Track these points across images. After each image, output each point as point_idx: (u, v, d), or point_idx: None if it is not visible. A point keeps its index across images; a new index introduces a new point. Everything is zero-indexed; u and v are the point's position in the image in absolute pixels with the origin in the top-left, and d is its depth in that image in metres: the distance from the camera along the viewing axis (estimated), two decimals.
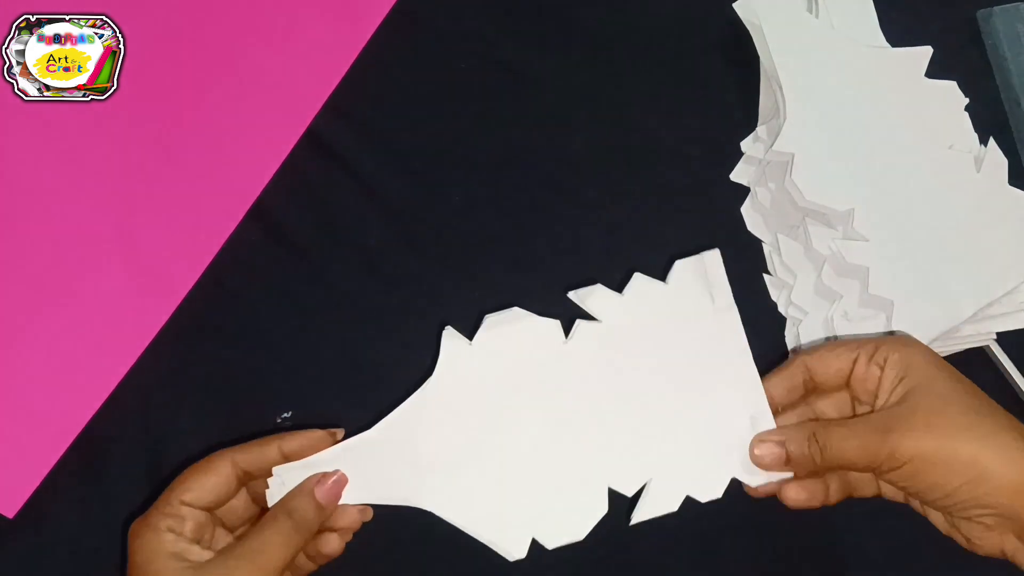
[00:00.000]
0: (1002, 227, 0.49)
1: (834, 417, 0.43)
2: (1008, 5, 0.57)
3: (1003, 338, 0.49)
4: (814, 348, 0.43)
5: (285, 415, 0.51)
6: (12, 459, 0.49)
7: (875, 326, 0.48)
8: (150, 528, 0.40)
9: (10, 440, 0.50)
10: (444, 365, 0.44)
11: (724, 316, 0.44)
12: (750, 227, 0.54)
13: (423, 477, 0.43)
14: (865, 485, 0.43)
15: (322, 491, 0.42)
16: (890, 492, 0.42)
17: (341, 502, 0.42)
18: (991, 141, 0.51)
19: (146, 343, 0.52)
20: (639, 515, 0.42)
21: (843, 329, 0.48)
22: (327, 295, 0.53)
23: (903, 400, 0.39)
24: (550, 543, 0.42)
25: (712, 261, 0.44)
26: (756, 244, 0.53)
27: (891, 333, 0.47)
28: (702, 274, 0.44)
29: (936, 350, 0.49)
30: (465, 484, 0.43)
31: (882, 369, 0.41)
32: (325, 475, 0.42)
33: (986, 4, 0.57)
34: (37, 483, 0.49)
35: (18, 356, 0.51)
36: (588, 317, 0.44)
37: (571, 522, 0.42)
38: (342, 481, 0.42)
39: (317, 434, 0.43)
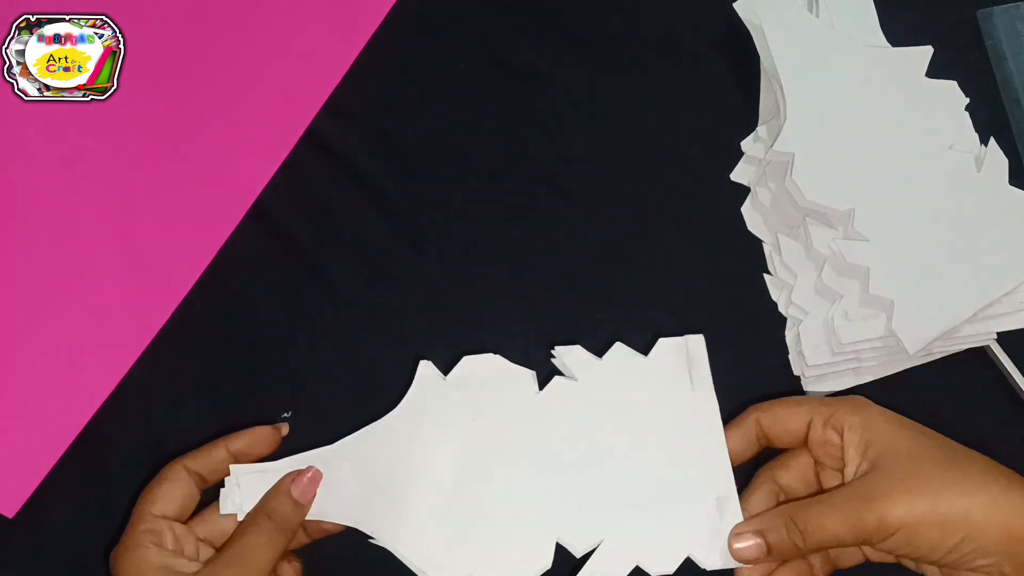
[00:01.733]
0: (1002, 227, 0.49)
1: (800, 489, 0.42)
2: (1008, 5, 0.57)
3: (1003, 338, 0.49)
4: (767, 404, 0.42)
5: (285, 415, 0.51)
6: (12, 459, 0.49)
7: (875, 326, 0.48)
8: (132, 547, 0.40)
9: (10, 440, 0.50)
10: (414, 396, 0.45)
11: (701, 397, 0.44)
12: (750, 227, 0.54)
13: (373, 501, 0.43)
14: (849, 555, 0.42)
15: (298, 489, 0.42)
16: (877, 556, 0.41)
17: None
18: (991, 141, 0.51)
19: (146, 343, 0.52)
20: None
21: (843, 329, 0.48)
22: (327, 295, 0.53)
23: (875, 467, 0.38)
24: None
25: (695, 345, 0.45)
26: (756, 244, 0.53)
27: (844, 392, 0.48)
28: (683, 355, 0.44)
29: (936, 350, 0.49)
30: (413, 515, 0.43)
31: (841, 435, 0.40)
32: (299, 473, 0.43)
33: (986, 4, 0.57)
34: (37, 483, 0.49)
35: (18, 356, 0.51)
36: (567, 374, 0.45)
37: (519, 572, 0.42)
38: (317, 477, 0.43)
39: (262, 430, 0.44)
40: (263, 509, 0.42)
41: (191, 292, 0.53)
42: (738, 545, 0.40)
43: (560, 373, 0.45)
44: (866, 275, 0.48)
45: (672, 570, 0.41)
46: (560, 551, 0.42)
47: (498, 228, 0.55)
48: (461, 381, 0.45)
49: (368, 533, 0.43)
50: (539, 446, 0.44)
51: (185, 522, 0.43)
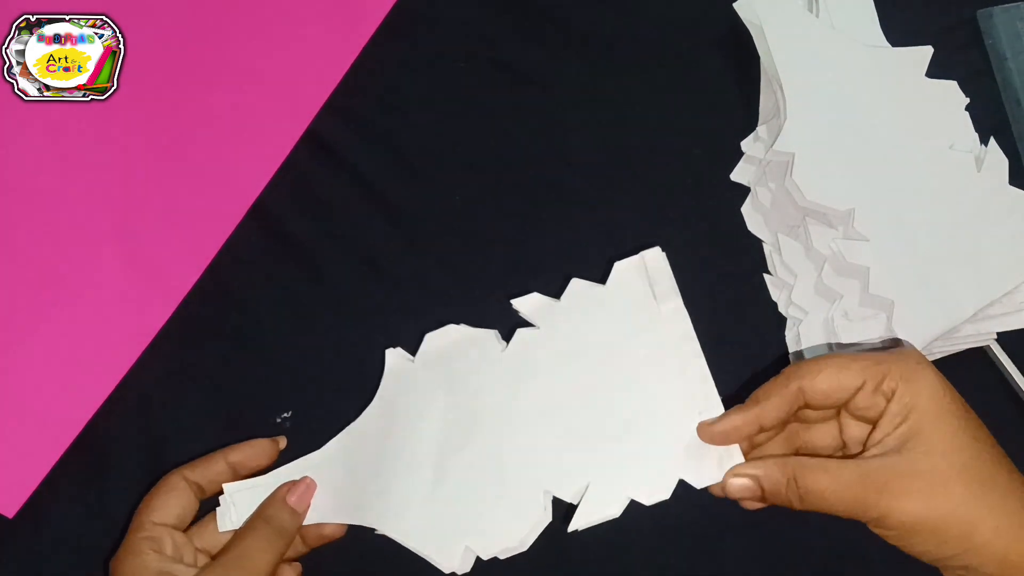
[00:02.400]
0: (1002, 227, 0.49)
1: (819, 435, 0.41)
2: (1008, 5, 0.57)
3: (1003, 338, 0.49)
4: (809, 370, 0.39)
5: (285, 415, 0.51)
6: (12, 459, 0.49)
7: (875, 326, 0.48)
8: (131, 553, 0.41)
9: (10, 440, 0.50)
10: (387, 383, 0.45)
11: (670, 313, 0.41)
12: (750, 227, 0.54)
13: (364, 494, 0.43)
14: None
15: (294, 497, 0.43)
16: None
17: None
18: (991, 141, 0.51)
19: (146, 343, 0.52)
20: (578, 522, 0.40)
21: (843, 329, 0.48)
22: (327, 295, 0.53)
23: (901, 450, 0.37)
24: (489, 554, 0.41)
25: (654, 259, 0.42)
26: (756, 244, 0.53)
27: (895, 342, 0.47)
28: (643, 274, 0.42)
29: (936, 350, 0.49)
30: (403, 500, 0.42)
31: (888, 400, 0.38)
32: (295, 483, 0.44)
33: (986, 4, 0.57)
34: (37, 483, 0.49)
35: (18, 356, 0.51)
36: (529, 325, 0.44)
37: (513, 531, 0.41)
38: (312, 486, 0.44)
39: (260, 443, 0.46)
40: (261, 515, 0.43)
41: (191, 292, 0.53)
42: (732, 483, 0.39)
43: (526, 323, 0.44)
44: (866, 275, 0.48)
45: (667, 496, 0.39)
46: (559, 503, 0.42)
47: (498, 228, 0.55)
48: (427, 358, 0.45)
49: (368, 526, 0.43)
50: (513, 402, 0.43)
51: (184, 531, 0.43)
